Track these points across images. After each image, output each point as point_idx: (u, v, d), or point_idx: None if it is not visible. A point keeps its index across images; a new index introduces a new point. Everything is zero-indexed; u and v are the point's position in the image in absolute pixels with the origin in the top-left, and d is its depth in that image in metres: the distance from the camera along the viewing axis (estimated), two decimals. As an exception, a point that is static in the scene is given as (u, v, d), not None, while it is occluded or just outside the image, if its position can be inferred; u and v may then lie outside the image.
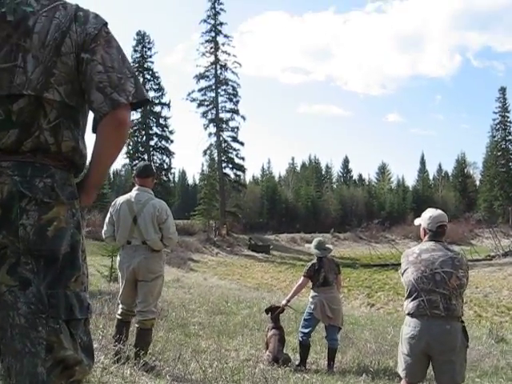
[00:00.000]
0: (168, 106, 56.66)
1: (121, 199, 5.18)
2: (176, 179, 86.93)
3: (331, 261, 7.07)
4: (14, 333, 1.72)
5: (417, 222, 4.46)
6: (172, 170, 62.60)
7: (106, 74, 1.83)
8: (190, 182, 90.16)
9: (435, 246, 4.16)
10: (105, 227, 5.23)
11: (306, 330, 6.88)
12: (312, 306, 6.88)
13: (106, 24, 1.94)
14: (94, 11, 1.96)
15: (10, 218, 1.74)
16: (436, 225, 4.24)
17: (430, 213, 4.34)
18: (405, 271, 4.19)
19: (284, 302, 7.32)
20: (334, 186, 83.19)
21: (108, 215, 5.21)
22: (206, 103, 54.44)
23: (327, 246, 7.16)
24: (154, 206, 5.01)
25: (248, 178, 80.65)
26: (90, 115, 2.01)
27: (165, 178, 59.24)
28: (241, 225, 54.45)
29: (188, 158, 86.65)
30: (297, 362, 6.81)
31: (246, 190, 59.85)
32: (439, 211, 4.37)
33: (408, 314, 4.14)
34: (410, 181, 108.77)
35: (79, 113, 1.93)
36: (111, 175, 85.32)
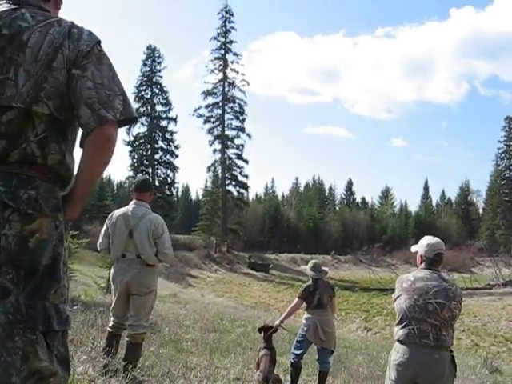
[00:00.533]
0: (175, 120, 56.97)
1: (117, 212, 5.20)
2: (179, 194, 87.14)
3: (327, 284, 7.00)
4: None
5: (413, 248, 4.44)
6: (176, 185, 62.89)
7: (95, 90, 1.86)
8: (193, 197, 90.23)
9: (430, 274, 4.13)
10: (100, 239, 5.25)
11: (298, 352, 6.82)
12: (305, 328, 6.85)
13: (99, 42, 1.98)
14: (89, 29, 2.00)
15: None
16: (433, 252, 4.22)
17: (427, 240, 4.33)
18: (398, 297, 4.17)
19: (277, 322, 7.28)
20: (337, 208, 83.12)
21: (104, 227, 5.23)
22: (212, 120, 54.82)
23: (323, 268, 7.13)
24: (151, 221, 5.03)
25: (251, 195, 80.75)
26: (80, 131, 2.03)
27: (168, 193, 59.30)
28: (241, 242, 54.35)
29: (192, 173, 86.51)
30: None
31: (248, 208, 59.88)
32: (437, 239, 4.36)
33: (397, 341, 4.13)
34: (413, 206, 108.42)
35: (68, 127, 1.97)
36: (114, 187, 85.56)
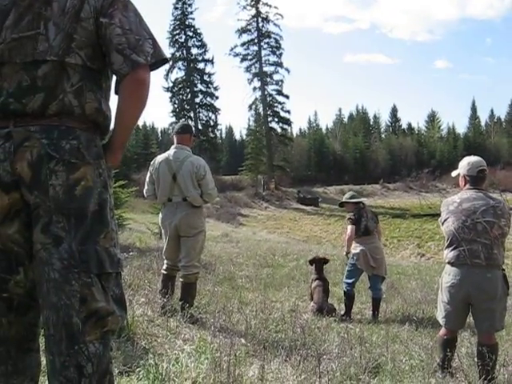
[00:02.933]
0: (211, 62, 56.52)
1: (159, 158, 5.26)
2: (223, 135, 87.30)
3: (369, 210, 7.13)
4: (49, 287, 1.84)
5: (454, 173, 4.37)
6: (218, 127, 62.92)
7: (125, 36, 1.89)
8: (238, 137, 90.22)
9: (476, 194, 4.08)
10: (146, 186, 5.36)
11: (350, 281, 6.91)
12: (355, 257, 6.89)
13: None
14: None
15: (40, 179, 1.84)
16: (476, 169, 4.15)
17: (467, 159, 4.26)
18: (445, 220, 4.14)
19: (345, 251, 7.35)
20: (383, 136, 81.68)
21: (148, 174, 5.32)
22: (249, 57, 54.11)
23: (360, 198, 7.39)
24: (192, 163, 5.08)
25: (295, 131, 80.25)
26: (114, 78, 2.06)
27: (211, 135, 59.51)
28: (289, 178, 54.30)
29: (234, 113, 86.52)
30: (342, 312, 6.87)
31: (292, 144, 59.59)
32: (477, 157, 4.29)
33: (448, 263, 4.12)
34: (461, 128, 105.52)
35: (101, 76, 2.01)
36: (159, 134, 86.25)
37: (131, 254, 8.54)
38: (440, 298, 4.20)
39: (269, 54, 54.19)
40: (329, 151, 67.76)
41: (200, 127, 57.35)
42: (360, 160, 66.48)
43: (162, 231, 5.40)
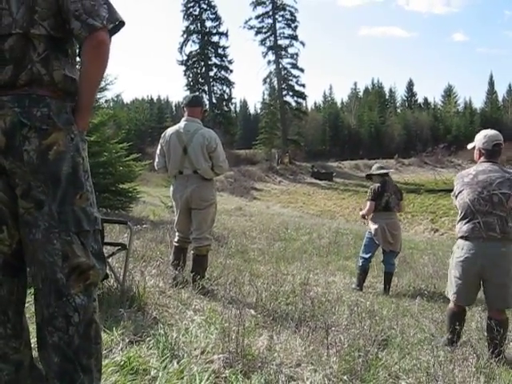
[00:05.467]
0: (226, 35, 56.10)
1: (170, 130, 5.25)
2: (237, 109, 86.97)
3: (395, 186, 7.03)
4: (35, 246, 2.00)
5: (470, 145, 4.35)
6: (233, 100, 62.64)
7: (80, 2, 1.98)
8: (252, 111, 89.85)
9: (492, 167, 4.06)
10: (156, 159, 5.35)
11: (367, 256, 6.90)
12: (373, 232, 6.87)
13: None
14: None
15: (14, 145, 1.97)
16: (492, 143, 4.13)
17: (484, 132, 4.23)
18: (460, 193, 4.11)
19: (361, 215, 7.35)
20: (398, 111, 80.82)
21: (159, 147, 5.31)
22: (263, 30, 53.50)
23: (387, 169, 7.16)
24: (203, 136, 5.06)
25: (310, 104, 79.70)
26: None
27: (226, 109, 59.33)
28: (303, 152, 54.15)
29: (249, 87, 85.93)
30: (353, 286, 6.87)
31: (307, 118, 59.18)
32: (494, 131, 4.26)
33: (462, 237, 4.08)
34: (478, 103, 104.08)
35: (66, 43, 2.10)
36: (173, 108, 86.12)
37: (144, 226, 8.61)
38: (451, 274, 4.17)
39: (284, 27, 53.61)
40: (344, 125, 67.40)
41: (214, 101, 57.19)
42: (375, 134, 66.05)
43: (173, 203, 5.40)
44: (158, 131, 55.44)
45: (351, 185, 42.89)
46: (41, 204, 1.98)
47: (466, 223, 4.04)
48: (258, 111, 72.56)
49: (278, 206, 29.93)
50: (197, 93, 56.61)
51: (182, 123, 5.18)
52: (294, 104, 54.93)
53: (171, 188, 5.36)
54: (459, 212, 4.14)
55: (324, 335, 3.40)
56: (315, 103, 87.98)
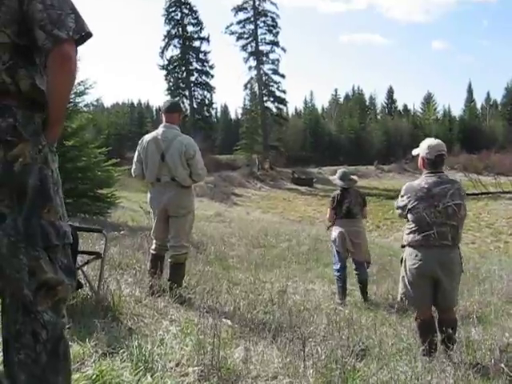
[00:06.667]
0: (207, 40, 56.12)
1: (147, 137, 5.18)
2: (218, 114, 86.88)
3: (356, 192, 6.87)
4: (0, 261, 1.92)
5: (415, 152, 4.44)
6: (214, 105, 62.62)
7: (46, 11, 1.89)
8: (233, 116, 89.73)
9: (441, 178, 4.19)
10: (133, 165, 5.27)
11: (338, 266, 6.80)
12: (332, 239, 6.85)
13: None
14: None
15: None
16: (435, 153, 4.24)
17: (428, 142, 4.34)
18: (414, 207, 4.17)
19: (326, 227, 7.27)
20: (378, 117, 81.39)
21: (136, 153, 5.22)
22: (245, 36, 53.62)
23: (352, 177, 6.94)
24: (181, 143, 5.00)
25: (290, 110, 79.84)
26: None
27: (207, 114, 59.30)
28: (284, 158, 54.13)
29: (230, 92, 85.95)
30: (337, 301, 6.68)
31: (288, 124, 59.34)
32: (438, 140, 4.37)
33: (414, 246, 4.20)
34: (457, 111, 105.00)
35: (33, 52, 2.00)
36: (153, 112, 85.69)
37: (122, 233, 8.51)
38: (406, 280, 4.28)
39: (265, 33, 53.76)
40: (324, 132, 67.52)
41: (195, 106, 57.10)
42: (355, 141, 66.33)
43: (151, 211, 5.34)
44: (138, 136, 54.27)
45: (331, 191, 42.27)
46: (3, 217, 1.90)
47: (420, 233, 4.16)
48: (239, 116, 72.56)
49: (258, 212, 29.91)
50: (176, 98, 56.55)
51: (159, 129, 5.12)
52: (274, 110, 55.11)
53: (149, 195, 5.30)
54: (412, 224, 4.24)
55: (301, 347, 3.35)
56: (296, 109, 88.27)
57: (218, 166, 47.01)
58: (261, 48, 53.56)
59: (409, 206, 4.20)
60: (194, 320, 3.87)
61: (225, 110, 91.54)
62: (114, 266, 6.08)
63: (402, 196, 4.29)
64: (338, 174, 6.94)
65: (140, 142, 5.23)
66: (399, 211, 4.38)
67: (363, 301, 6.60)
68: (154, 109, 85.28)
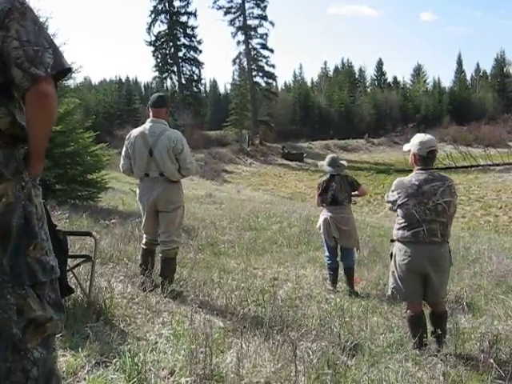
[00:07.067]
0: (194, 15, 55.54)
1: (135, 132, 5.13)
2: (207, 89, 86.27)
3: (344, 179, 6.68)
4: None
5: (406, 147, 4.42)
6: (202, 81, 62.23)
7: (22, 48, 1.83)
8: (222, 90, 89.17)
9: (432, 175, 4.19)
10: (121, 161, 5.23)
11: (328, 253, 6.76)
12: (317, 226, 6.83)
13: None
14: None
15: None
16: (426, 150, 4.21)
17: (419, 138, 4.30)
18: (404, 203, 4.18)
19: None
20: (368, 90, 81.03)
21: (124, 149, 5.17)
22: (232, 10, 53.07)
23: (341, 162, 6.82)
24: (169, 138, 4.96)
25: (280, 84, 79.39)
26: None
27: (195, 90, 58.90)
28: (274, 133, 53.94)
29: (218, 66, 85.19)
30: (328, 287, 6.67)
31: (277, 98, 58.98)
32: (429, 136, 4.33)
33: (403, 242, 4.23)
34: (447, 82, 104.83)
35: (11, 87, 1.94)
36: (142, 89, 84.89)
37: (112, 221, 8.49)
38: (396, 275, 4.31)
39: (253, 7, 53.21)
40: (314, 105, 67.17)
41: (183, 81, 56.67)
42: (345, 114, 66.05)
43: (140, 206, 5.31)
44: (127, 113, 54.83)
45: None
46: None
47: (409, 230, 4.19)
48: (229, 91, 72.14)
49: (249, 190, 29.93)
50: (164, 74, 56.14)
51: (147, 124, 5.07)
52: (264, 85, 54.86)
53: (137, 190, 5.27)
54: (402, 220, 4.25)
55: (293, 349, 3.37)
56: (285, 83, 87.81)
57: (207, 143, 46.86)
58: (249, 22, 53.12)
59: (399, 202, 4.20)
60: (186, 323, 3.86)
61: (214, 84, 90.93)
62: (105, 260, 6.08)
63: (393, 191, 4.29)
64: (327, 159, 6.83)
65: (127, 137, 5.18)
66: (389, 205, 4.39)
67: (350, 291, 6.45)
68: (143, 85, 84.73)
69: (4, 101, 1.92)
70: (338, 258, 6.81)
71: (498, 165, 34.96)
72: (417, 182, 4.15)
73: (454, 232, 14.69)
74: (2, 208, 1.88)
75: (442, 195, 4.10)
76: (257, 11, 53.19)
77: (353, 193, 6.76)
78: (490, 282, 6.85)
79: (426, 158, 4.20)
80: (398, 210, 4.23)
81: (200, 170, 34.93)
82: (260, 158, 44.70)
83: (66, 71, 1.97)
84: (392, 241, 4.42)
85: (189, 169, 5.11)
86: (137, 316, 4.12)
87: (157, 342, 3.48)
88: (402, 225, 4.21)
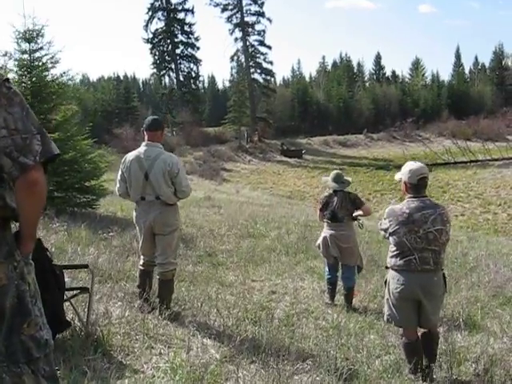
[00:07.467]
0: (192, 11, 55.46)
1: (130, 156, 5.14)
2: (206, 85, 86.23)
3: (346, 195, 6.60)
4: None
5: (397, 176, 4.43)
6: (200, 78, 62.18)
7: (11, 137, 1.86)
8: (220, 86, 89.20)
9: (423, 203, 4.19)
10: (117, 184, 5.26)
11: (327, 268, 6.74)
12: (316, 244, 6.83)
13: (6, 80, 1.93)
14: None
15: None
16: (417, 178, 4.22)
17: (409, 166, 4.31)
18: (395, 231, 4.20)
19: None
20: (367, 85, 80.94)
21: (119, 172, 5.20)
22: (229, 7, 52.92)
23: (345, 178, 6.75)
24: (165, 161, 4.98)
25: (278, 79, 79.35)
26: None
27: (194, 86, 58.91)
28: (272, 130, 53.99)
29: (217, 62, 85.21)
30: (326, 300, 6.67)
31: (275, 95, 58.90)
32: (419, 163, 4.34)
33: (396, 270, 4.26)
34: (445, 76, 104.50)
35: (1, 172, 1.96)
36: (140, 85, 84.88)
37: (110, 234, 8.51)
38: (390, 302, 4.34)
39: (250, 4, 53.06)
40: (312, 101, 67.08)
41: (181, 79, 56.66)
42: (344, 109, 65.91)
43: (137, 228, 5.34)
44: (125, 111, 54.80)
45: (321, 162, 42.99)
46: None
47: (401, 258, 4.21)
48: (227, 87, 72.06)
49: (248, 189, 29.92)
50: (162, 72, 56.09)
51: (141, 148, 5.08)
52: (262, 81, 54.78)
53: (134, 213, 5.29)
54: (394, 248, 4.28)
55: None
56: (284, 78, 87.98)
57: (206, 140, 46.86)
58: (246, 19, 53.01)
59: (390, 230, 4.23)
60: (183, 354, 3.88)
61: (212, 80, 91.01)
62: (104, 278, 6.12)
63: (385, 219, 4.32)
64: (331, 175, 6.75)
65: (123, 160, 5.19)
66: (382, 233, 4.41)
67: (347, 309, 6.39)
68: (141, 81, 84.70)
69: None
70: (339, 273, 6.81)
71: (496, 160, 34.99)
72: (407, 210, 4.16)
73: (453, 234, 14.75)
74: None
75: (433, 223, 4.11)
76: (254, 8, 53.18)
77: (356, 212, 6.64)
78: (487, 293, 6.87)
79: (416, 186, 4.21)
80: (390, 238, 4.25)
81: (199, 168, 35.00)
82: (259, 155, 44.66)
83: (55, 156, 2.00)
84: (386, 268, 4.45)
85: (184, 192, 5.14)
86: (134, 345, 4.15)
87: (154, 376, 3.51)
88: (395, 253, 4.24)
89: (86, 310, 4.22)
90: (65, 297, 3.94)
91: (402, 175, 4.30)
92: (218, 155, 41.01)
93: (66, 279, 4.38)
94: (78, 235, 8.48)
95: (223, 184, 31.45)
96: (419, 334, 4.42)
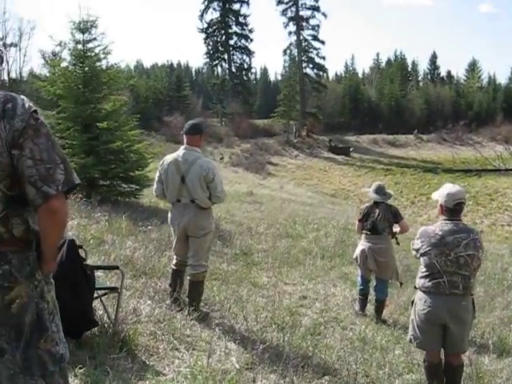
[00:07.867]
0: (247, 3, 55.50)
1: (168, 158, 5.26)
2: (258, 76, 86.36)
3: (388, 208, 6.59)
4: None
5: (434, 196, 4.37)
6: (252, 70, 62.33)
7: (35, 167, 1.94)
8: (272, 78, 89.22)
9: (457, 227, 4.14)
10: (155, 185, 5.41)
11: (360, 280, 6.71)
12: (354, 256, 6.80)
13: (34, 111, 2.00)
14: (23, 97, 2.03)
15: None
16: (453, 202, 4.17)
17: (447, 189, 4.24)
18: (426, 252, 4.18)
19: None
20: (420, 84, 79.41)
21: (157, 174, 5.35)
22: (285, 0, 52.68)
23: (387, 191, 6.74)
24: (201, 166, 5.07)
25: (331, 74, 78.77)
26: None
27: (245, 78, 59.09)
28: (321, 125, 53.61)
29: (270, 55, 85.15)
30: (356, 309, 6.69)
31: (326, 91, 58.47)
32: (457, 187, 4.28)
33: (424, 291, 4.22)
34: (502, 79, 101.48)
35: (25, 198, 2.03)
36: (193, 74, 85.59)
37: (149, 228, 8.69)
38: (415, 323, 4.31)
39: (306, -2, 52.71)
40: (364, 98, 66.39)
41: (234, 70, 56.91)
42: (395, 108, 64.94)
43: (171, 229, 5.47)
44: (176, 100, 55.42)
45: (368, 160, 42.48)
46: (2, 352, 2.02)
47: (430, 280, 4.18)
48: (279, 78, 71.95)
49: (292, 185, 29.89)
50: (214, 62, 56.46)
51: (180, 151, 5.19)
52: (313, 76, 54.48)
53: (169, 215, 5.42)
54: (424, 269, 4.25)
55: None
56: (336, 73, 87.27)
57: (255, 132, 46.97)
58: (301, 13, 52.73)
59: (421, 251, 4.21)
60: (204, 360, 3.96)
61: (264, 72, 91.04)
62: (138, 272, 6.26)
63: (417, 239, 4.29)
64: (373, 186, 6.74)
65: (161, 163, 5.32)
66: (414, 252, 4.39)
67: (377, 320, 6.40)
68: (194, 70, 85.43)
69: (19, 210, 2.04)
70: (371, 283, 6.81)
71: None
72: (440, 233, 4.13)
73: (496, 246, 14.46)
74: (16, 308, 2.02)
75: (466, 248, 4.06)
76: (309, 2, 52.87)
77: (395, 228, 6.64)
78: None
79: (452, 210, 4.16)
80: (421, 259, 4.23)
81: (245, 161, 35.13)
82: (306, 151, 44.44)
83: (76, 186, 2.09)
84: (415, 288, 4.42)
85: (219, 197, 5.22)
86: (159, 345, 4.25)
87: (173, 380, 3.61)
88: (424, 274, 4.21)
89: (115, 307, 4.35)
90: (95, 294, 4.08)
91: (439, 197, 4.25)
92: (265, 148, 41.03)
93: (99, 274, 4.53)
94: (119, 226, 8.68)
95: (268, 178, 31.49)
96: (443, 361, 4.35)
